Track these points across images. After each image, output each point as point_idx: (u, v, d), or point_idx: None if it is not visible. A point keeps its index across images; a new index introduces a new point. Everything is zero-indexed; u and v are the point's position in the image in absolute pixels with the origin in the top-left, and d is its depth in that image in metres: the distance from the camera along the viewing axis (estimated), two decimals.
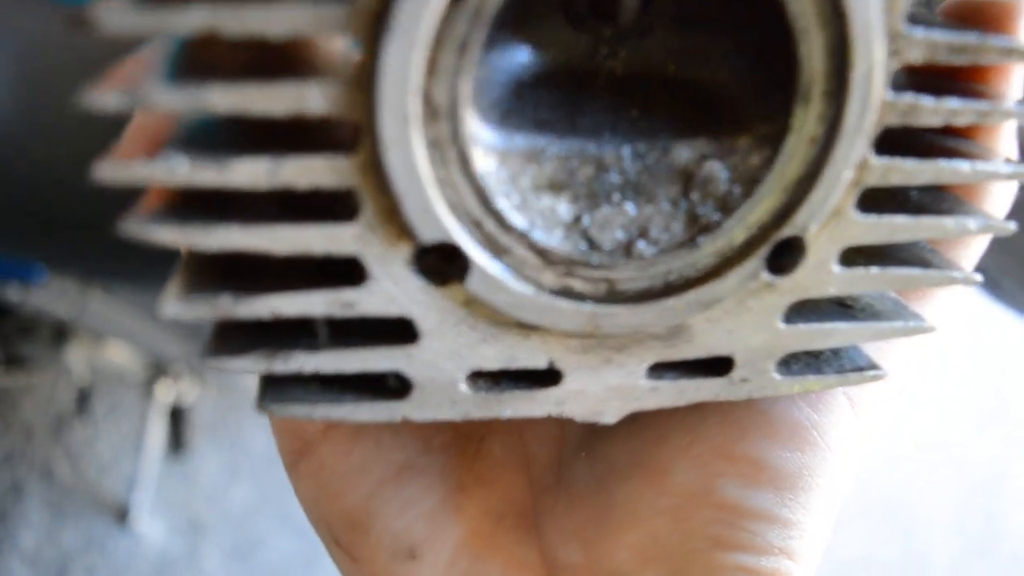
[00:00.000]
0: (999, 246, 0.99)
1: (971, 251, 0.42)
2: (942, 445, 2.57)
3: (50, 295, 1.37)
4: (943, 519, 2.45)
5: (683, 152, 0.34)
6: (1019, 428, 2.62)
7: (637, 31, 0.34)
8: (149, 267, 1.27)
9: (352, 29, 0.27)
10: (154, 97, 0.27)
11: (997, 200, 0.40)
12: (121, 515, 2.18)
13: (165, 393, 2.12)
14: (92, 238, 1.10)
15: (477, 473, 0.45)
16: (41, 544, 2.18)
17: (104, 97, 0.26)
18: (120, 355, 1.98)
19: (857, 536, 2.35)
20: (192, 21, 0.26)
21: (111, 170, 0.28)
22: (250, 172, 0.28)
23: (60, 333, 1.86)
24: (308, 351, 0.33)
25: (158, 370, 2.08)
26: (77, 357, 1.92)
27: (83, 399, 2.19)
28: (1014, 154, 0.40)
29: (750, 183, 0.33)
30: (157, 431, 2.18)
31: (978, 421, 2.64)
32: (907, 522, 2.43)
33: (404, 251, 0.31)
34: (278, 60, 0.28)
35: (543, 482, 0.45)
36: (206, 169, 0.28)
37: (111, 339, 1.88)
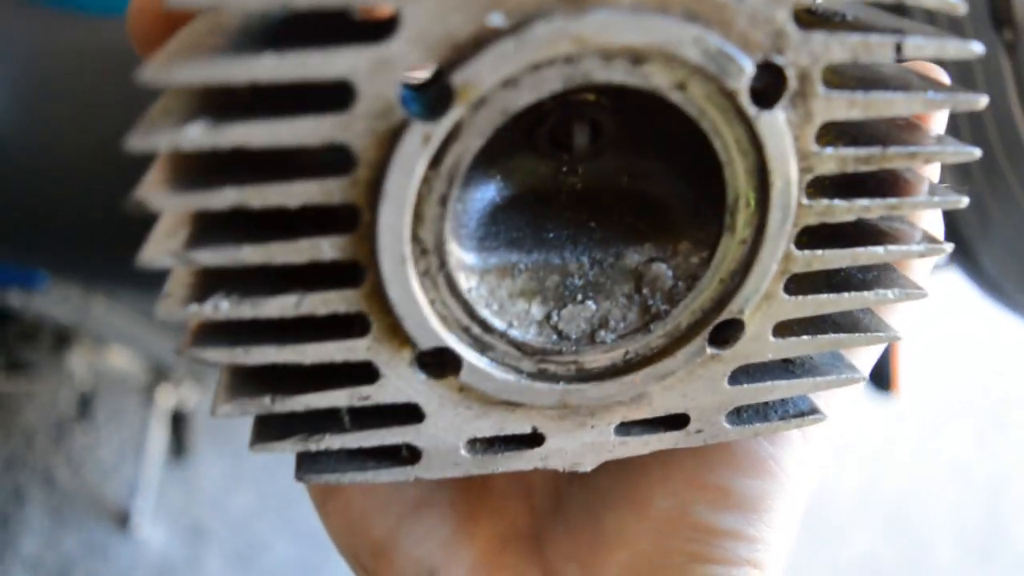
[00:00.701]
0: (1003, 250, 1.04)
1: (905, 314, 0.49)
2: (943, 449, 2.62)
3: (52, 301, 1.41)
4: (944, 523, 2.50)
5: (633, 256, 0.41)
6: (1021, 432, 2.67)
7: (591, 154, 0.42)
8: (151, 272, 1.30)
9: (352, 197, 0.34)
10: (196, 256, 0.34)
11: (919, 269, 0.47)
12: (122, 520, 2.22)
13: (166, 398, 2.16)
14: (94, 244, 1.15)
15: (485, 504, 0.53)
16: (42, 550, 2.22)
17: (151, 256, 0.34)
18: (121, 360, 2.03)
19: (858, 540, 2.41)
20: (224, 200, 0.33)
21: (168, 311, 0.35)
22: (279, 306, 0.36)
23: (62, 338, 1.90)
24: (335, 433, 0.41)
25: (159, 375, 2.12)
26: (79, 362, 1.96)
27: (84, 404, 2.23)
28: (938, 229, 0.46)
29: (691, 279, 0.41)
30: (158, 436, 2.22)
31: (979, 425, 2.69)
32: (908, 526, 2.48)
33: (407, 355, 0.39)
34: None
35: (543, 509, 0.54)
36: (243, 307, 0.36)
37: (113, 344, 1.93)
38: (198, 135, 0.32)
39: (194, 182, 0.34)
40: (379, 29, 0.32)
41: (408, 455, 0.44)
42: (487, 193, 0.41)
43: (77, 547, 2.23)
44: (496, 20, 0.32)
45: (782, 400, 0.48)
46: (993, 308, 1.20)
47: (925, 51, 0.37)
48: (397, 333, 0.38)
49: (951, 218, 1.00)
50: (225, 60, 0.31)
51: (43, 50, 1.05)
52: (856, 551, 2.40)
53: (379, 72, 0.32)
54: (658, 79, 0.35)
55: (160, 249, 0.34)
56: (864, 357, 0.50)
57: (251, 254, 0.35)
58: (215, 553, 2.25)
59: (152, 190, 0.33)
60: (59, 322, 1.56)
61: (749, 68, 0.35)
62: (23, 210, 1.11)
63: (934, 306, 0.48)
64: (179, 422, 2.25)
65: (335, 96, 0.33)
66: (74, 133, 1.06)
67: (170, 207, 0.33)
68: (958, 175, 0.99)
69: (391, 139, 0.33)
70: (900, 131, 0.41)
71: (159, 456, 2.25)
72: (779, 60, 0.35)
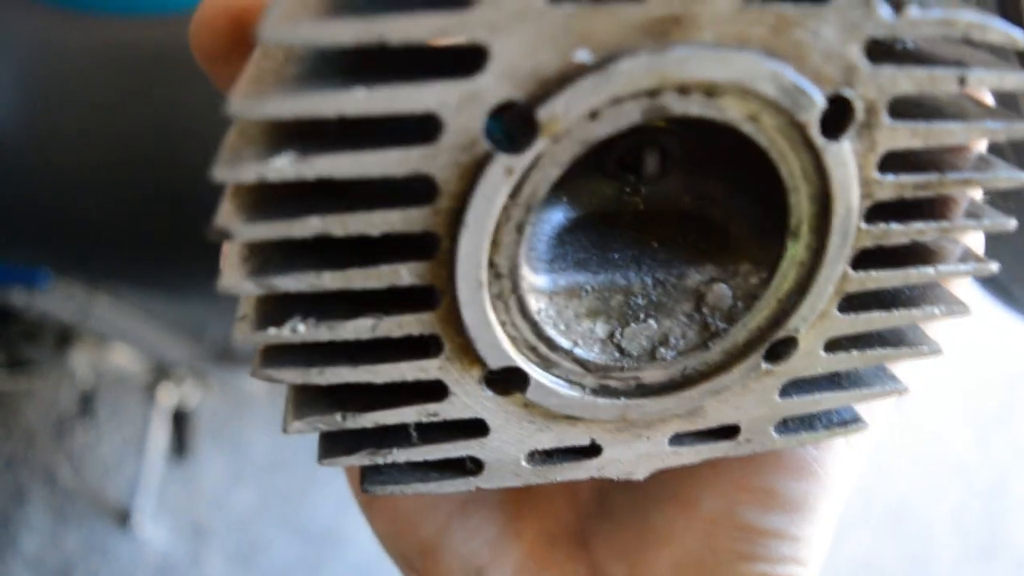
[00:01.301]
0: (1009, 254, 1.05)
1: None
2: (945, 450, 2.64)
3: (55, 299, 1.41)
4: (945, 524, 2.51)
5: (695, 276, 0.43)
6: (1021, 432, 2.69)
7: (657, 176, 0.43)
8: (154, 271, 1.32)
9: (433, 226, 0.36)
10: (277, 283, 0.35)
11: (961, 284, 0.49)
12: (123, 519, 2.23)
13: (168, 397, 2.17)
14: (97, 242, 1.17)
15: (531, 503, 0.55)
16: (44, 548, 2.22)
17: (232, 283, 0.35)
18: (123, 359, 2.04)
19: (859, 541, 2.42)
20: (308, 228, 0.34)
21: (245, 334, 0.37)
22: (355, 329, 0.37)
23: (64, 337, 1.90)
24: (402, 447, 0.43)
25: (161, 374, 2.13)
26: (81, 361, 1.96)
27: (86, 403, 2.24)
28: (979, 246, 0.48)
29: (750, 299, 0.42)
30: (160, 435, 2.22)
31: (981, 426, 2.70)
32: (909, 526, 2.50)
33: (476, 374, 0.40)
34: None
35: (589, 509, 0.56)
36: (320, 330, 0.37)
37: (115, 343, 1.93)
38: (286, 165, 0.33)
39: (271, 209, 0.35)
40: (463, 61, 0.33)
41: (472, 467, 0.45)
42: (555, 215, 0.43)
43: (78, 546, 2.23)
44: (583, 56, 0.33)
45: (827, 410, 0.49)
46: (996, 309, 1.22)
47: (986, 83, 0.38)
48: (467, 353, 0.39)
49: None
50: (316, 94, 0.32)
51: (48, 49, 1.05)
52: (857, 550, 2.42)
53: (466, 106, 0.33)
54: (732, 112, 0.36)
55: (240, 275, 0.35)
56: (903, 366, 0.51)
57: (331, 280, 0.36)
58: (216, 552, 2.25)
59: (233, 219, 0.34)
60: (62, 320, 1.55)
61: (821, 102, 0.36)
62: (27, 209, 1.12)
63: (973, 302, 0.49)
64: (180, 421, 2.26)
65: (418, 127, 0.34)
66: (78, 132, 1.07)
67: (254, 236, 0.34)
68: None
69: (474, 171, 0.34)
70: (952, 156, 0.43)
71: (160, 455, 2.26)
72: (849, 93, 0.36)
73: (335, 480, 2.22)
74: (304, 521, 2.26)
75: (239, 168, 0.32)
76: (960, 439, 2.67)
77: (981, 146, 0.45)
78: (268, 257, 0.36)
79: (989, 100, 0.44)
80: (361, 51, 0.33)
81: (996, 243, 1.03)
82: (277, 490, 2.31)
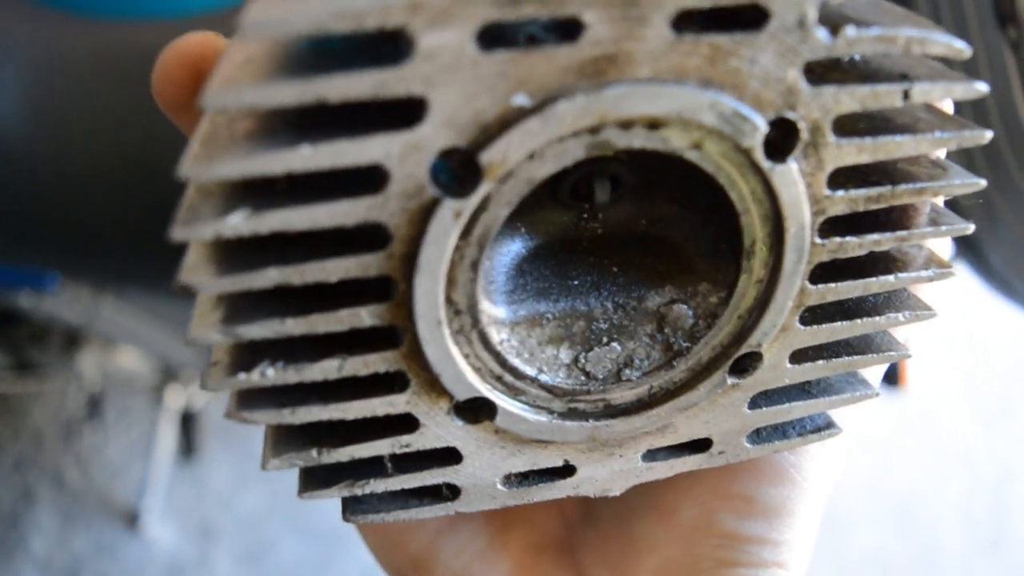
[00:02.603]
0: (1012, 249, 1.05)
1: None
2: (950, 443, 2.64)
3: (63, 302, 1.43)
4: (952, 517, 2.52)
5: (655, 298, 0.44)
6: None
7: (611, 202, 0.44)
8: (160, 273, 1.31)
9: (388, 270, 0.37)
10: (243, 332, 0.37)
11: (928, 289, 0.49)
12: (131, 520, 2.25)
13: (175, 398, 2.19)
14: (104, 245, 1.18)
15: (518, 515, 0.57)
16: (52, 549, 2.25)
17: (199, 335, 0.36)
18: (131, 361, 2.06)
19: (867, 535, 2.44)
20: (267, 279, 0.36)
21: (216, 381, 0.38)
22: (322, 370, 0.39)
23: (72, 339, 1.92)
24: (379, 478, 0.44)
25: (168, 375, 2.15)
26: (88, 363, 1.98)
27: (94, 405, 2.27)
28: (945, 251, 0.48)
29: (711, 317, 0.44)
30: (167, 436, 2.25)
31: (986, 419, 2.71)
32: (916, 520, 2.50)
33: (444, 406, 0.42)
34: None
35: (574, 519, 0.57)
36: (288, 373, 0.38)
37: (122, 345, 1.96)
38: (240, 222, 0.34)
39: (233, 261, 0.36)
40: (406, 112, 0.34)
41: (448, 493, 0.47)
42: (513, 247, 0.44)
43: (86, 547, 2.25)
44: (520, 100, 0.34)
45: (799, 418, 0.50)
46: (1000, 302, 1.23)
47: (932, 95, 0.39)
48: (435, 387, 0.41)
49: (959, 214, 1.02)
50: (263, 153, 0.33)
51: (54, 53, 1.06)
52: (865, 545, 2.43)
53: (410, 155, 0.34)
54: (675, 142, 0.37)
55: (207, 326, 0.37)
56: (875, 370, 0.53)
57: (294, 326, 0.37)
58: (224, 552, 2.28)
59: (196, 274, 0.35)
60: (69, 323, 1.57)
61: (763, 126, 0.37)
62: (34, 212, 1.14)
63: (942, 301, 0.49)
64: (188, 422, 2.28)
65: (366, 177, 0.35)
66: (84, 135, 1.08)
67: (216, 289, 0.36)
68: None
69: (423, 216, 0.36)
70: (907, 164, 0.43)
71: (168, 456, 2.28)
72: (791, 115, 0.37)
73: None
74: (311, 521, 2.29)
75: (196, 227, 0.34)
76: (966, 432, 2.67)
77: (940, 153, 0.45)
78: (236, 304, 0.38)
79: (947, 108, 0.44)
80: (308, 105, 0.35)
81: (996, 236, 1.04)
82: (284, 490, 2.33)
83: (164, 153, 1.04)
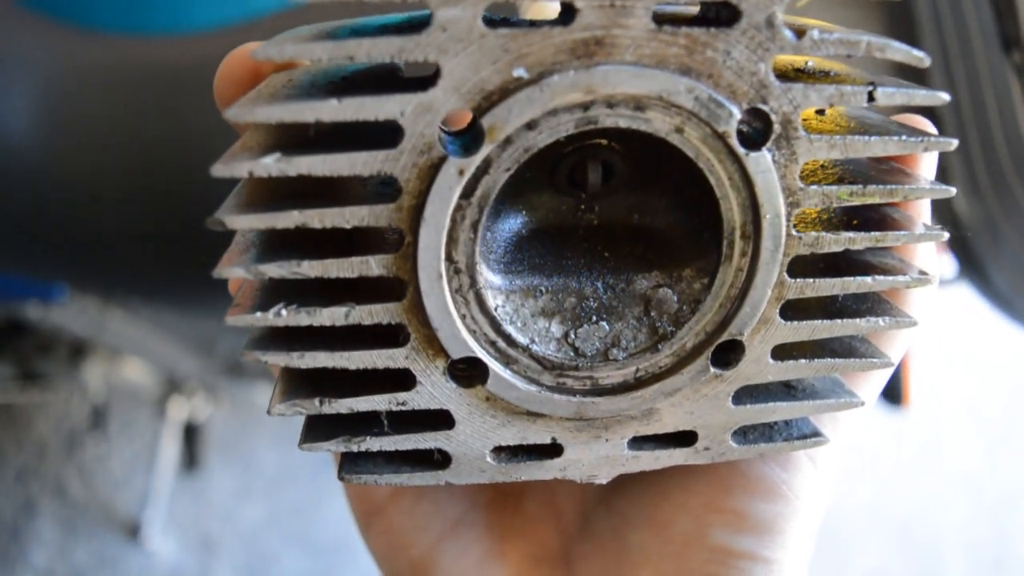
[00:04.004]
0: (1016, 269, 1.07)
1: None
2: (952, 463, 2.65)
3: (70, 313, 1.46)
4: (953, 537, 2.53)
5: (642, 282, 0.48)
6: None
7: (606, 193, 0.48)
8: (167, 286, 1.36)
9: (397, 221, 0.41)
10: (263, 269, 0.41)
11: (914, 300, 0.52)
12: (133, 532, 2.28)
13: (178, 410, 2.23)
14: (112, 258, 1.21)
15: (517, 525, 0.60)
16: (53, 561, 2.27)
17: (225, 268, 0.41)
18: (135, 373, 2.09)
19: (869, 554, 2.44)
20: (290, 220, 0.41)
21: (237, 317, 0.43)
22: (331, 316, 0.43)
23: (78, 350, 1.96)
24: (375, 436, 0.48)
25: (172, 387, 2.19)
26: (93, 374, 2.02)
27: (97, 416, 2.30)
28: (931, 264, 0.51)
29: (695, 303, 0.47)
30: (170, 448, 2.28)
31: (988, 439, 2.72)
32: (918, 540, 2.51)
33: (440, 364, 0.45)
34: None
35: (570, 531, 0.60)
36: (300, 315, 0.43)
37: (128, 356, 1.99)
38: (271, 164, 0.39)
39: (262, 207, 0.41)
40: (423, 81, 0.39)
41: (440, 459, 0.50)
42: (514, 225, 0.48)
43: (88, 558, 2.28)
44: (520, 72, 0.39)
45: (786, 423, 0.53)
46: (1003, 322, 1.24)
47: (896, 99, 0.43)
48: (432, 344, 0.45)
49: (962, 235, 1.04)
50: (297, 103, 0.38)
51: (66, 67, 1.10)
52: (867, 565, 2.43)
53: (422, 115, 0.39)
54: (658, 124, 0.42)
55: (232, 263, 0.41)
56: (872, 383, 0.55)
57: (309, 268, 0.42)
58: (225, 565, 2.30)
59: (229, 211, 0.40)
60: (76, 334, 1.61)
61: (736, 113, 0.41)
62: (44, 224, 1.17)
63: (945, 320, 0.51)
64: (191, 434, 2.31)
65: (385, 136, 0.40)
66: (94, 149, 1.12)
67: (243, 225, 0.40)
68: (969, 193, 1.03)
69: (431, 172, 0.40)
70: (888, 174, 0.47)
71: (170, 468, 2.31)
72: (763, 107, 0.42)
73: (343, 494, 2.14)
74: (313, 534, 2.30)
75: (233, 165, 0.39)
76: (967, 452, 2.68)
77: (925, 168, 0.48)
78: (260, 252, 0.43)
79: (925, 125, 0.47)
80: (344, 81, 0.41)
81: (999, 256, 1.06)
82: (286, 504, 2.36)
83: (172, 167, 1.08)
